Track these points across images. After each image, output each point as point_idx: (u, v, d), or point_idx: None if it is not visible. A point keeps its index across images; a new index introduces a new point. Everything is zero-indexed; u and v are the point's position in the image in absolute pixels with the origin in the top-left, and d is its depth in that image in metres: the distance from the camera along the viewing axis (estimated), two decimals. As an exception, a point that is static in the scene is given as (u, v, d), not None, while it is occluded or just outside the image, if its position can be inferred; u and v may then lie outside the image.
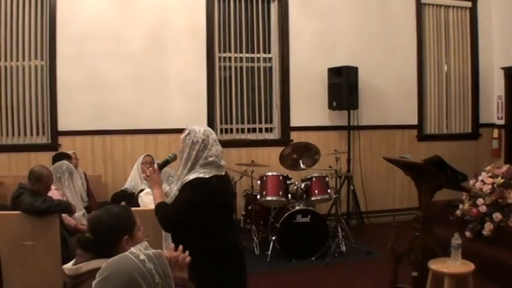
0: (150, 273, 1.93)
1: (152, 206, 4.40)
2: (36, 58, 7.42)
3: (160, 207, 3.39)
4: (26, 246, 4.79)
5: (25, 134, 7.44)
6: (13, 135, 7.41)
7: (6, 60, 7.32)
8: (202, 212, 3.28)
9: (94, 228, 2.49)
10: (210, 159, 3.36)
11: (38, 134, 7.50)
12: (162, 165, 3.67)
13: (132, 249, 2.01)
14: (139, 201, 5.58)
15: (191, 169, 3.37)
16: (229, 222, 3.54)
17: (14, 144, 7.39)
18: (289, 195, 6.90)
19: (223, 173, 3.47)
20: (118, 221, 2.47)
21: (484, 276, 5.26)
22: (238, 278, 3.48)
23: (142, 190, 5.83)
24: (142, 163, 6.61)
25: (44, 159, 6.78)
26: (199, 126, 3.47)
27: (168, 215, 3.35)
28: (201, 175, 3.33)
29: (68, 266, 2.42)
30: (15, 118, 7.39)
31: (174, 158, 3.64)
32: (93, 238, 2.45)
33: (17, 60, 7.35)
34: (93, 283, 1.93)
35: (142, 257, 1.95)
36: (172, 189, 3.54)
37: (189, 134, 3.41)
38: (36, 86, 7.44)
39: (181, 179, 3.39)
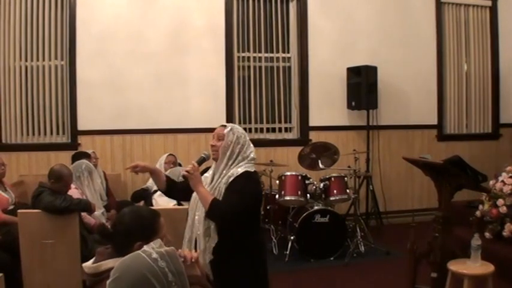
0: (163, 271, 1.92)
1: (167, 207, 4.42)
2: (56, 58, 7.48)
3: (216, 204, 3.27)
4: (46, 244, 4.82)
5: (45, 134, 7.50)
6: (33, 134, 7.48)
7: (26, 60, 7.39)
8: (257, 205, 3.40)
9: (115, 223, 2.52)
10: (252, 155, 3.45)
11: (58, 133, 7.56)
12: (199, 163, 3.55)
13: (145, 247, 2.01)
14: (154, 203, 5.60)
15: (236, 163, 3.39)
16: (259, 222, 3.60)
17: (34, 144, 7.45)
18: (308, 195, 6.88)
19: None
20: (137, 225, 2.46)
21: (504, 277, 5.20)
22: (266, 277, 3.52)
23: (156, 191, 5.84)
24: (165, 162, 6.65)
25: (63, 158, 6.84)
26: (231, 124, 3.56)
27: (226, 210, 3.25)
28: (248, 169, 3.37)
29: (88, 264, 2.43)
30: (36, 117, 7.46)
31: (209, 156, 3.59)
32: (111, 231, 2.48)
33: (37, 60, 7.41)
34: (107, 282, 1.94)
35: (154, 255, 1.95)
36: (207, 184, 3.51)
37: (231, 129, 3.43)
38: (56, 86, 7.50)
39: (226, 174, 3.37)
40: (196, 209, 3.42)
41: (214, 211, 3.26)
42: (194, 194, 3.46)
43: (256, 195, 3.42)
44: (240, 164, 3.38)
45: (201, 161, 3.55)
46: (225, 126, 3.47)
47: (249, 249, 3.35)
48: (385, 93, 8.54)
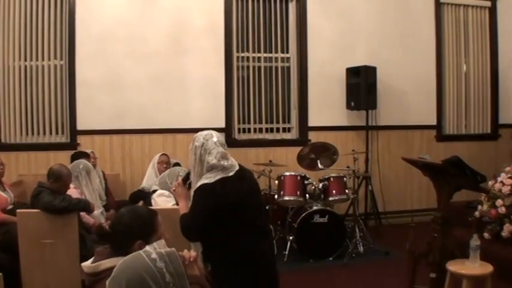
0: (161, 272, 1.93)
1: (166, 207, 4.40)
2: (55, 58, 7.47)
3: (181, 218, 3.42)
4: (45, 244, 4.83)
5: (44, 133, 7.49)
6: (32, 134, 7.47)
7: (26, 60, 7.38)
8: (213, 218, 3.26)
9: (114, 223, 2.53)
10: (211, 162, 3.34)
11: (57, 133, 7.55)
12: (185, 178, 3.62)
13: (147, 247, 2.03)
14: (153, 203, 5.60)
15: (200, 175, 3.38)
16: (249, 222, 3.41)
17: (34, 143, 7.44)
18: (307, 195, 6.88)
19: (231, 173, 3.39)
20: (137, 224, 2.47)
21: (503, 278, 5.20)
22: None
23: (155, 191, 5.84)
24: (158, 162, 6.65)
25: (62, 158, 6.83)
26: (206, 131, 3.49)
27: (186, 225, 3.36)
28: (206, 181, 3.32)
29: (87, 264, 2.44)
30: (35, 117, 7.45)
31: None
32: (110, 232, 2.49)
33: (37, 59, 7.40)
34: (107, 281, 1.95)
35: (153, 255, 1.96)
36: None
37: (193, 140, 3.45)
38: (56, 86, 7.49)
39: (194, 187, 3.40)
40: None
41: (180, 225, 3.40)
42: None
43: (207, 209, 3.27)
44: (204, 174, 3.37)
45: (187, 175, 3.61)
46: None
47: (222, 260, 3.31)
48: (384, 93, 8.54)
